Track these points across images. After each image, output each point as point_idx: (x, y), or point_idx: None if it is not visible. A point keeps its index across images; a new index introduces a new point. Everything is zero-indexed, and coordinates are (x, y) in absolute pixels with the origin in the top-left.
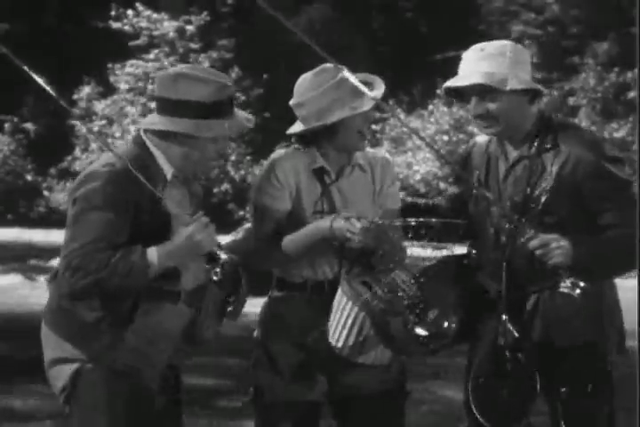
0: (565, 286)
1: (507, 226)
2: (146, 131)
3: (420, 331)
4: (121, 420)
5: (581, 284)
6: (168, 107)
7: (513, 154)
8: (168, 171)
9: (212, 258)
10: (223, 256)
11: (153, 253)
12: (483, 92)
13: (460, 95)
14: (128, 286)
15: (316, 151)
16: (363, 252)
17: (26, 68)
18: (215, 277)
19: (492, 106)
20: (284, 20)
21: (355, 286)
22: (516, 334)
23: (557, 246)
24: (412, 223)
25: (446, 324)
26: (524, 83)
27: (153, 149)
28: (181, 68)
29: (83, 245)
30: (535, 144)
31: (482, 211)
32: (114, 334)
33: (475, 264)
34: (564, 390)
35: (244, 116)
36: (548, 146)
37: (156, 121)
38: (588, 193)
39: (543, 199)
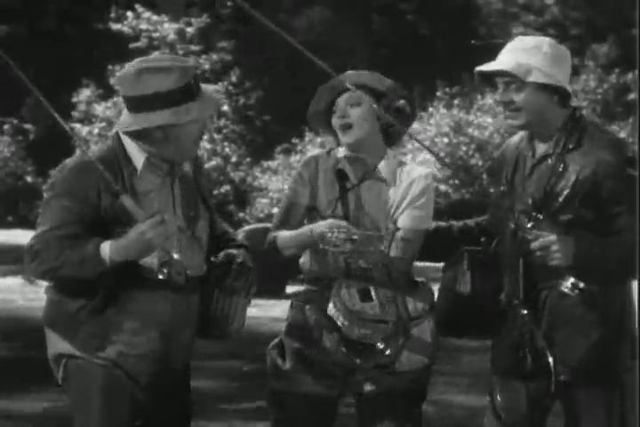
0: (566, 286)
1: (526, 222)
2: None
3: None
4: (97, 413)
5: (581, 285)
6: (139, 104)
7: (540, 151)
8: (139, 159)
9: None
10: (175, 256)
11: (106, 246)
12: (509, 80)
13: (489, 81)
14: (81, 275)
15: (342, 154)
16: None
17: (21, 74)
18: (161, 276)
19: (516, 97)
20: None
21: (342, 293)
22: (535, 331)
23: (557, 249)
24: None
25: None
26: (549, 78)
27: (126, 142)
28: (139, 62)
29: (44, 231)
30: (561, 143)
31: (505, 206)
32: (93, 323)
33: (489, 257)
34: (576, 390)
35: (213, 90)
36: (572, 146)
37: (130, 121)
38: (606, 194)
39: (562, 198)
